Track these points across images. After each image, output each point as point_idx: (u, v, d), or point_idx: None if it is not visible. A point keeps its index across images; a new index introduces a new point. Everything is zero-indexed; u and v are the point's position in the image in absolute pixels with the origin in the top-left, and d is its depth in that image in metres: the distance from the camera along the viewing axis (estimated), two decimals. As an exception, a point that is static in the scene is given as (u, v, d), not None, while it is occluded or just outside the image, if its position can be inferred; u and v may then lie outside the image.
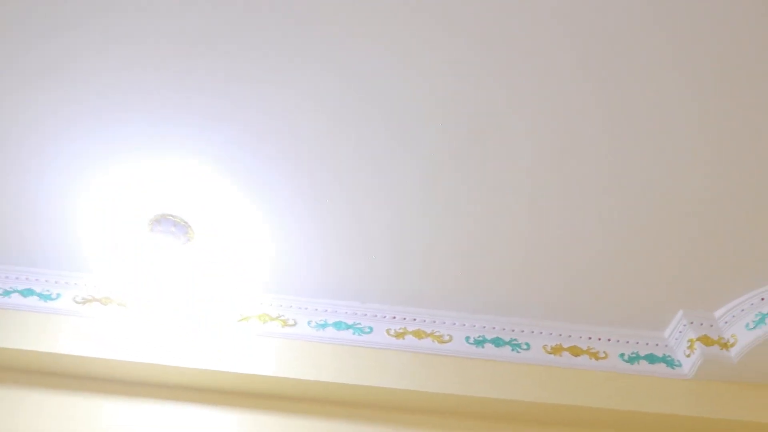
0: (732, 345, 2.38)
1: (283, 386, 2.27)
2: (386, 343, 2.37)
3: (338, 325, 2.38)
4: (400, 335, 2.38)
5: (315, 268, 2.31)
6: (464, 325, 2.43)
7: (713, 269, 2.32)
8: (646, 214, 2.17)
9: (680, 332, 2.44)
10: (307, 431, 2.22)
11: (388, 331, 2.39)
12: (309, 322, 2.37)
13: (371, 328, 2.39)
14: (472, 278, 2.34)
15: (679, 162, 2.03)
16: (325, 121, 1.94)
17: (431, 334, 2.40)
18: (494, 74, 1.82)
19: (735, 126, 1.93)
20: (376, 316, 2.41)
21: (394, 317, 2.41)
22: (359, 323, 2.39)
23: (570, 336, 2.47)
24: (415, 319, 2.42)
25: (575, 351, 2.45)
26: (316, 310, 2.39)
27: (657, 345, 2.49)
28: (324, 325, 2.37)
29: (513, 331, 2.44)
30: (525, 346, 2.43)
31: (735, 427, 2.36)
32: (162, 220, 2.12)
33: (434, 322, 2.42)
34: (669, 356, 2.47)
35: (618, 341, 2.48)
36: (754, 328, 2.34)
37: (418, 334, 2.40)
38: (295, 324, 2.36)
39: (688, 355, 2.42)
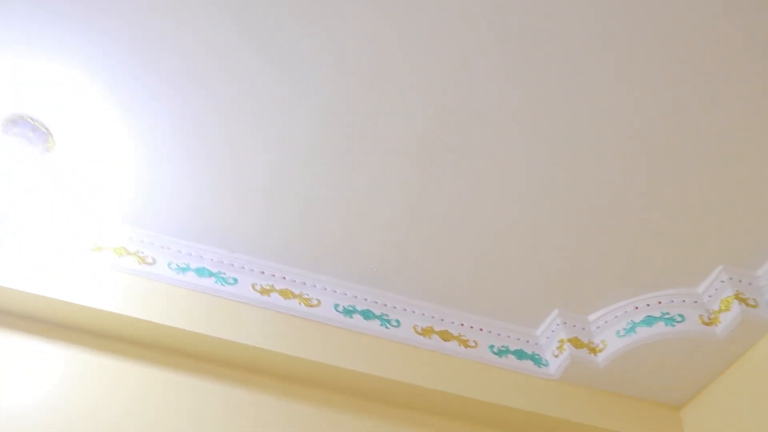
0: (600, 350, 2.35)
1: (128, 326, 2.09)
2: (250, 297, 2.22)
3: (201, 272, 2.22)
4: (265, 292, 2.25)
5: (183, 206, 2.14)
6: (335, 291, 2.31)
7: (593, 274, 2.30)
8: (535, 211, 2.13)
9: (552, 331, 2.40)
10: (143, 379, 2.06)
11: (253, 285, 2.25)
12: (169, 264, 2.20)
13: (236, 280, 2.24)
14: (350, 243, 2.23)
15: (572, 165, 1.99)
16: (214, 57, 1.80)
17: (299, 296, 2.27)
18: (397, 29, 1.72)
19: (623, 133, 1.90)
20: (243, 268, 2.26)
21: (263, 272, 2.27)
22: (224, 273, 2.24)
23: (443, 320, 2.39)
24: (284, 278, 2.28)
25: (445, 336, 2.37)
26: (179, 252, 2.23)
27: (528, 342, 2.44)
28: (185, 269, 2.21)
29: (385, 305, 2.34)
30: (395, 323, 2.34)
31: (591, 432, 2.34)
32: (19, 122, 1.91)
33: (304, 283, 2.29)
34: (538, 354, 2.42)
35: (490, 332, 2.41)
36: (624, 335, 2.32)
37: (286, 293, 2.26)
38: (153, 263, 2.19)
39: (557, 356, 2.37)
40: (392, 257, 2.26)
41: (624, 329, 2.32)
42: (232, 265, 2.25)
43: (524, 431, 2.33)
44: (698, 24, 1.69)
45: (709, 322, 2.24)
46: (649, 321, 2.28)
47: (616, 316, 2.34)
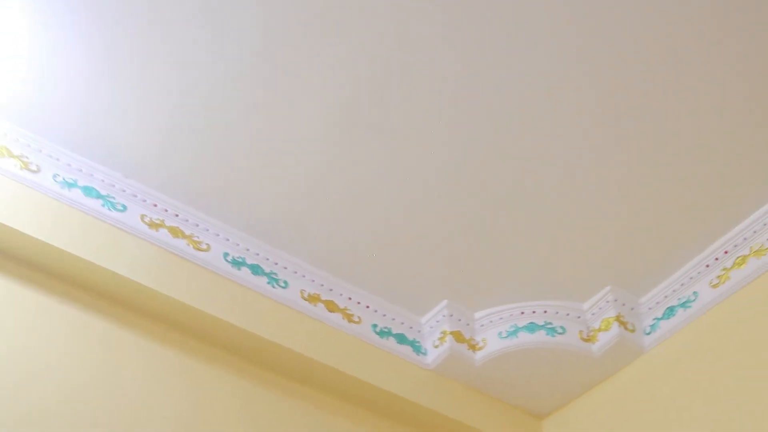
0: (480, 348, 2.36)
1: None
2: (137, 228, 2.10)
3: (88, 191, 2.08)
4: (154, 226, 2.13)
5: (78, 115, 1.97)
6: (228, 240, 2.22)
7: (487, 272, 2.31)
8: (446, 198, 2.11)
9: (437, 322, 2.39)
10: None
11: (143, 216, 2.12)
12: (55, 176, 2.05)
13: (125, 207, 2.11)
14: (251, 192, 2.14)
15: (489, 157, 2.01)
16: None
17: (189, 237, 2.17)
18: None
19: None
20: (135, 196, 2.13)
21: (155, 205, 2.15)
22: (113, 197, 2.10)
23: (332, 290, 2.34)
24: (177, 215, 2.17)
25: (331, 306, 2.32)
26: (69, 165, 2.07)
27: (411, 327, 2.42)
28: (71, 185, 2.06)
29: (276, 264, 2.27)
30: (283, 284, 2.27)
31: (455, 428, 2.34)
32: None
33: (197, 225, 2.19)
34: (418, 342, 2.41)
35: (376, 311, 2.38)
36: (505, 338, 2.33)
37: (175, 231, 2.15)
38: (38, 171, 2.03)
39: (437, 346, 2.37)
40: (293, 215, 2.19)
41: (507, 332, 2.33)
42: (124, 191, 2.12)
43: (391, 414, 2.31)
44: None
45: (588, 339, 2.29)
46: (531, 328, 2.31)
47: (501, 318, 2.36)
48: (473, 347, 2.37)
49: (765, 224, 2.03)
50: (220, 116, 1.96)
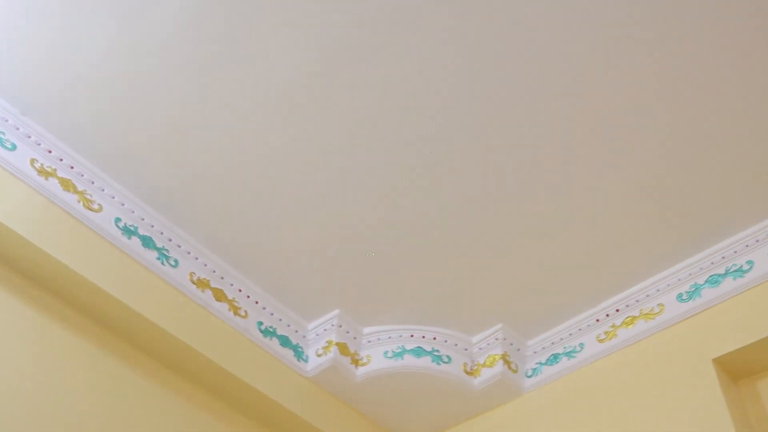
0: (363, 364, 2.31)
1: None
2: (23, 171, 1.90)
3: (-26, 120, 1.88)
4: (45, 173, 1.94)
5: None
6: (123, 205, 2.06)
7: (383, 288, 2.27)
8: (349, 208, 2.05)
9: (325, 330, 2.32)
10: None
11: (33, 161, 1.93)
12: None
13: (14, 146, 1.91)
14: (158, 160, 1.99)
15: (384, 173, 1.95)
16: None
17: (81, 193, 1.99)
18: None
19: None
20: (29, 137, 1.93)
21: (50, 151, 1.96)
22: (3, 133, 1.90)
23: (223, 278, 2.22)
24: (72, 167, 1.99)
25: (219, 295, 2.20)
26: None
27: (297, 331, 2.34)
28: (-43, 113, 1.85)
29: (170, 240, 2.13)
30: (173, 262, 2.13)
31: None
32: None
33: (92, 182, 2.02)
34: (301, 347, 2.33)
35: (264, 308, 2.28)
36: (390, 357, 2.30)
37: (67, 184, 1.97)
38: None
39: (320, 355, 2.29)
40: (197, 193, 2.06)
41: (393, 352, 2.30)
42: (17, 129, 1.92)
43: (260, 416, 2.22)
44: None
45: (471, 372, 2.28)
46: (418, 352, 2.28)
47: (390, 337, 2.32)
48: (356, 362, 2.31)
49: (658, 290, 2.10)
50: (142, 75, 1.82)
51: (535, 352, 2.30)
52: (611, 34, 1.65)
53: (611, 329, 2.16)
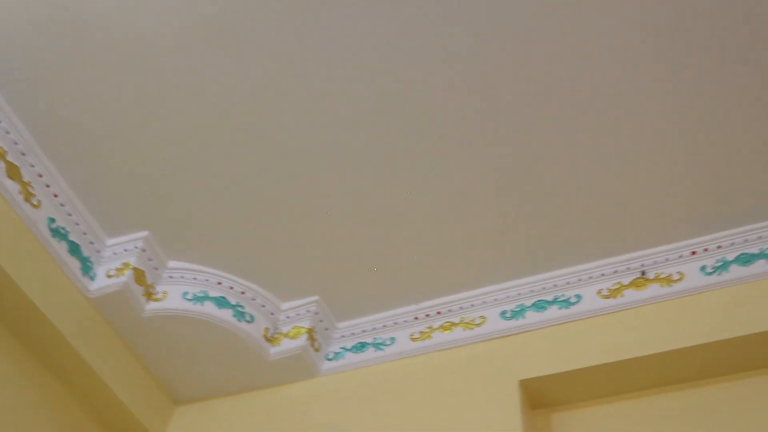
0: (157, 299, 2.08)
1: None
2: None
3: None
4: None
5: None
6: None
7: (208, 222, 2.02)
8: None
9: (125, 251, 2.06)
10: None
11: None
12: None
13: None
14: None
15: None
16: None
17: None
18: None
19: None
20: None
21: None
22: None
23: (24, 155, 1.90)
24: None
25: (13, 172, 1.88)
26: None
27: (93, 243, 2.06)
28: None
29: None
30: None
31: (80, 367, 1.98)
32: None
33: None
34: (91, 262, 2.05)
35: (63, 205, 1.98)
36: (189, 300, 2.08)
37: None
38: None
39: (110, 276, 2.04)
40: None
41: (194, 294, 2.06)
42: None
43: (17, 322, 1.89)
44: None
45: (271, 339, 2.10)
46: (221, 302, 2.06)
47: (195, 278, 2.08)
48: (150, 295, 2.05)
49: (484, 302, 2.04)
50: None
51: (342, 336, 2.15)
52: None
53: (427, 330, 2.06)
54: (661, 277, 1.89)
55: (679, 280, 1.87)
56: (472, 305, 2.04)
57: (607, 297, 1.92)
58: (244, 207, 1.97)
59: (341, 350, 2.13)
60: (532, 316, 1.97)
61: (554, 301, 1.96)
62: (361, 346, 2.11)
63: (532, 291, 1.99)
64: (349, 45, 1.66)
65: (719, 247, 1.87)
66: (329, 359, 2.13)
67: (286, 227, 1.99)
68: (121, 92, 1.80)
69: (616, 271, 1.94)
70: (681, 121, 1.70)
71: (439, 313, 2.07)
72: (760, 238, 1.84)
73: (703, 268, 1.87)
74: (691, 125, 1.70)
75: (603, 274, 1.95)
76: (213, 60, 1.72)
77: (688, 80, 1.63)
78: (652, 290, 1.89)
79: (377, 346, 2.09)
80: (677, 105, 1.67)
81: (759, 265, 1.82)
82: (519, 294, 2.00)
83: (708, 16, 1.53)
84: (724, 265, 1.85)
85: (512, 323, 1.98)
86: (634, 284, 1.91)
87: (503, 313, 2.00)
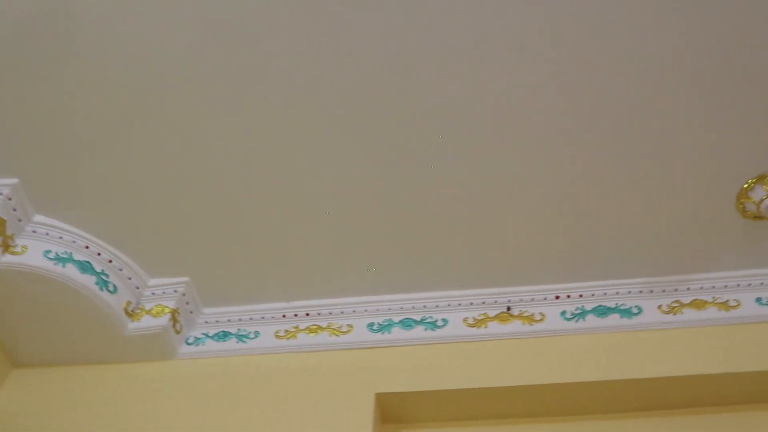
0: (13, 252, 1.92)
1: None
2: None
3: None
4: None
5: None
6: None
7: (81, 176, 1.92)
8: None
9: None
10: None
11: None
12: None
13: None
14: None
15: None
16: None
17: None
18: None
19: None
20: None
21: None
22: None
23: None
24: None
25: None
26: None
27: None
28: None
29: None
30: None
31: None
32: None
33: None
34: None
35: None
36: (52, 259, 1.95)
37: None
38: None
39: None
40: None
41: (58, 254, 1.95)
42: None
43: None
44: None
45: (131, 314, 2.02)
46: (85, 266, 1.96)
47: (62, 237, 1.97)
48: (7, 247, 1.92)
49: (354, 311, 2.06)
50: None
51: (207, 322, 2.10)
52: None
53: (293, 330, 2.06)
54: (524, 314, 1.99)
55: (541, 320, 1.97)
56: (342, 312, 2.06)
57: (472, 326, 1.99)
58: (126, 170, 1.86)
59: (203, 336, 2.09)
60: (397, 332, 2.00)
61: (421, 321, 2.01)
62: (224, 335, 2.08)
63: (402, 308, 2.03)
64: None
65: (580, 295, 1.99)
66: (189, 343, 2.08)
67: (169, 201, 1.91)
68: None
69: (484, 303, 2.01)
70: (563, 174, 1.79)
71: (308, 314, 2.07)
72: (617, 293, 1.97)
73: (563, 312, 1.97)
74: (573, 183, 1.80)
75: (471, 303, 2.02)
76: None
77: (573, 132, 1.72)
78: (515, 326, 1.98)
79: (240, 337, 2.06)
80: (562, 156, 1.76)
81: (612, 318, 1.95)
82: (389, 309, 2.04)
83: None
84: (582, 314, 1.96)
85: (378, 336, 2.01)
86: (498, 317, 1.99)
87: (370, 325, 2.03)
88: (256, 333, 2.07)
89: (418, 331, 2.00)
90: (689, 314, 1.94)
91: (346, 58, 1.63)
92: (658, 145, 1.73)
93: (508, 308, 2.00)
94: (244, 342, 2.06)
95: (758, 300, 1.93)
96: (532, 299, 2.00)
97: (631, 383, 1.82)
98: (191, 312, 2.08)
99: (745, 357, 1.81)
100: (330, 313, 2.06)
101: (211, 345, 2.06)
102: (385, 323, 2.03)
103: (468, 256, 1.97)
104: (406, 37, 1.60)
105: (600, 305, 1.97)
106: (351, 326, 2.04)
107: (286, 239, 1.96)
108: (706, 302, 1.95)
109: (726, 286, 1.95)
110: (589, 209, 1.85)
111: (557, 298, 1.99)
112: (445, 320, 2.01)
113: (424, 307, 2.03)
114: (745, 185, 1.79)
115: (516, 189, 1.82)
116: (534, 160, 1.77)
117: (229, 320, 2.10)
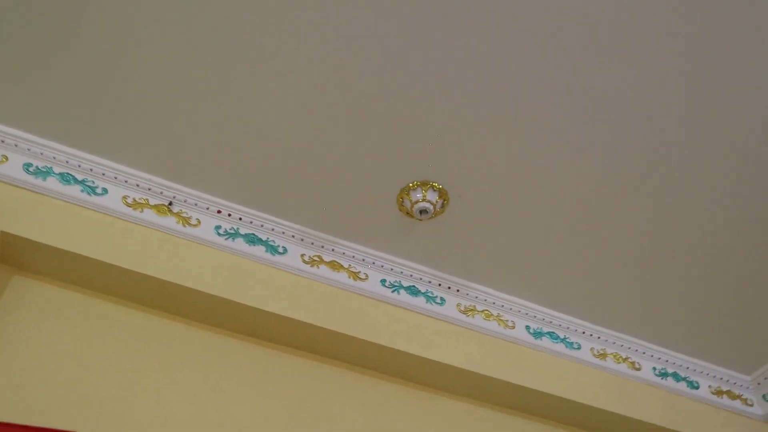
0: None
1: None
2: None
3: None
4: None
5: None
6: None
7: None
8: None
9: None
10: None
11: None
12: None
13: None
14: None
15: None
16: None
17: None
18: None
19: None
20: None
21: None
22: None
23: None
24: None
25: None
26: None
27: None
28: None
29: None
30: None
31: None
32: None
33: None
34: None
35: None
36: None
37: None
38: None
39: None
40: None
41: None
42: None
43: None
44: None
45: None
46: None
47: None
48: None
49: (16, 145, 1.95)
50: None
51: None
52: None
53: None
54: (182, 214, 2.04)
55: (196, 225, 2.05)
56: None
57: (129, 205, 2.00)
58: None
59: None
60: (53, 183, 1.94)
61: (82, 182, 1.97)
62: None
63: (55, 158, 1.97)
64: None
65: (240, 219, 2.10)
66: None
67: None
68: None
69: (150, 189, 2.03)
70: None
71: None
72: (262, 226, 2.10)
73: (217, 227, 2.06)
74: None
75: (138, 185, 2.02)
76: None
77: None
78: (169, 221, 2.02)
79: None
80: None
81: (259, 250, 2.08)
82: (54, 158, 1.97)
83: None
84: (235, 234, 2.07)
85: (30, 179, 1.93)
86: (157, 208, 2.02)
87: (27, 165, 1.95)
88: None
89: (75, 190, 1.96)
90: (324, 270, 2.14)
91: None
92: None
93: (170, 203, 2.03)
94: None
95: (382, 281, 2.19)
96: (196, 204, 2.05)
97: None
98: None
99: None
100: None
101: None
102: (44, 169, 1.96)
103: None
104: None
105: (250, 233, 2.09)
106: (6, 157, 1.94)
107: None
108: (342, 266, 2.17)
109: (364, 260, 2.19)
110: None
111: (219, 212, 2.07)
112: (105, 189, 1.99)
113: (91, 170, 1.99)
114: (411, 184, 1.99)
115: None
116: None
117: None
